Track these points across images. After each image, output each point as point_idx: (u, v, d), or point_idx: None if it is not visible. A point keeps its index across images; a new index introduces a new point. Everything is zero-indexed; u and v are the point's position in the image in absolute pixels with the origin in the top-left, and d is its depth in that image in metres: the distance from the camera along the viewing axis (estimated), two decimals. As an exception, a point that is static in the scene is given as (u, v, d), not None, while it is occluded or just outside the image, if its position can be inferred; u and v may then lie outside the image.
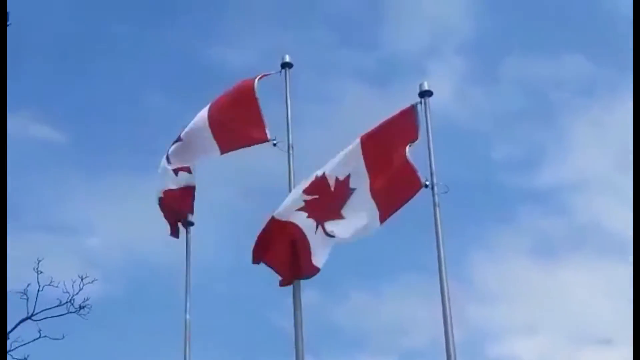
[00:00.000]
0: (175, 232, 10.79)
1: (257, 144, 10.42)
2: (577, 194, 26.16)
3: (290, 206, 9.15)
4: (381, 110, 9.85)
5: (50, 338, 16.14)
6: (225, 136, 10.65)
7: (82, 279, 16.41)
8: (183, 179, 10.77)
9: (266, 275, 9.19)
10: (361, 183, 9.16)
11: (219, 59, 27.70)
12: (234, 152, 10.68)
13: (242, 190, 18.29)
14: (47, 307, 16.30)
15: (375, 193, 9.10)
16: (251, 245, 9.17)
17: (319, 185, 9.16)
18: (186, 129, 10.79)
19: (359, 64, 27.28)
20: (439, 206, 8.91)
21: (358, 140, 9.27)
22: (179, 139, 10.79)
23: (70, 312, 16.42)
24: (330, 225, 9.06)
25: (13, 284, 15.52)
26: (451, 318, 8.33)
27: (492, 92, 27.43)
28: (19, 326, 16.03)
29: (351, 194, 9.14)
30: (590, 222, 25.37)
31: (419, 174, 9.04)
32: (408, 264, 19.52)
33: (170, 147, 10.78)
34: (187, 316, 10.28)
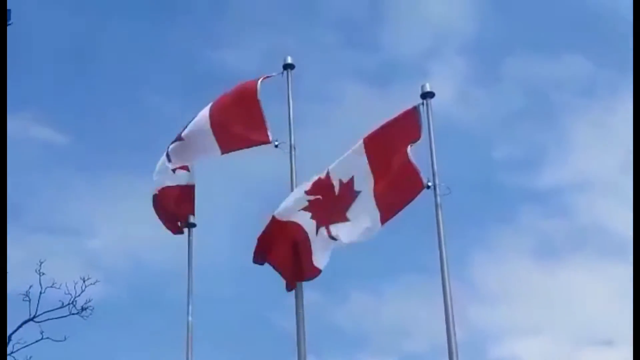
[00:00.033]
0: (176, 230, 10.76)
1: (259, 145, 10.42)
2: (578, 195, 26.21)
3: (292, 206, 9.14)
4: (383, 111, 9.87)
5: (52, 340, 16.22)
6: (226, 137, 10.60)
7: (84, 281, 16.52)
8: (181, 177, 10.76)
9: (268, 276, 9.19)
10: (365, 185, 9.14)
11: (219, 60, 27.78)
12: (236, 153, 10.63)
13: (244, 191, 18.30)
14: (49, 308, 16.40)
15: (378, 194, 9.08)
16: (253, 246, 9.14)
17: (322, 185, 9.15)
18: (187, 129, 10.74)
19: (361, 65, 27.35)
20: (441, 207, 8.88)
21: (361, 141, 9.25)
22: (179, 138, 10.73)
23: (73, 314, 16.52)
24: (335, 229, 9.05)
25: (15, 285, 15.62)
26: (453, 318, 8.33)
27: (494, 93, 27.48)
28: (21, 328, 16.10)
29: (356, 196, 9.12)
30: (591, 222, 25.41)
31: (422, 175, 9.02)
32: (409, 264, 19.57)
33: (170, 146, 10.73)
34: (190, 318, 10.25)
